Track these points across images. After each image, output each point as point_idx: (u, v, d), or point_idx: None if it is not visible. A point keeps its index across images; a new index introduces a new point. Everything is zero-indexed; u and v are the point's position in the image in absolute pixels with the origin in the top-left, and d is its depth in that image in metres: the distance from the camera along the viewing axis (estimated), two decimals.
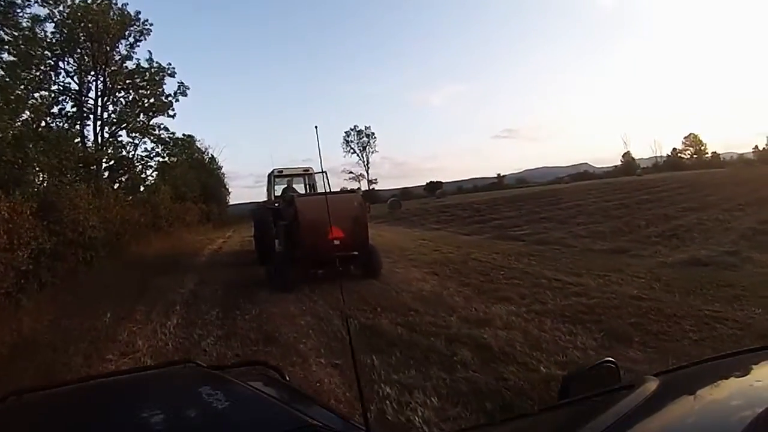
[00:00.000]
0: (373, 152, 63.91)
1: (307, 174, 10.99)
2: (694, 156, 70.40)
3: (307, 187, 11.10)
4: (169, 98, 16.12)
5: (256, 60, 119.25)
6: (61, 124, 14.89)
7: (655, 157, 71.12)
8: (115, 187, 15.95)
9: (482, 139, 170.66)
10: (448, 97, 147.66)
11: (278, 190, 10.76)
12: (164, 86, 16.14)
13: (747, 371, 0.87)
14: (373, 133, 63.32)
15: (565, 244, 9.71)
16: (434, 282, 6.85)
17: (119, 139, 16.17)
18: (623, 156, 73.24)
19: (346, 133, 61.91)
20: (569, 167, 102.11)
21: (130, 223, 11.66)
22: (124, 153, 16.17)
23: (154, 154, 16.64)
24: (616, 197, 22.68)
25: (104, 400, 1.22)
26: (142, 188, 17.60)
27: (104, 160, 15.59)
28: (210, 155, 38.55)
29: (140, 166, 16.80)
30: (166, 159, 17.04)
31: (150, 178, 17.47)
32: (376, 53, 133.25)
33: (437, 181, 61.49)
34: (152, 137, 16.34)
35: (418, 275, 7.46)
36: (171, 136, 16.42)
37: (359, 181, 60.77)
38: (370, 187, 58.36)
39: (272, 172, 10.78)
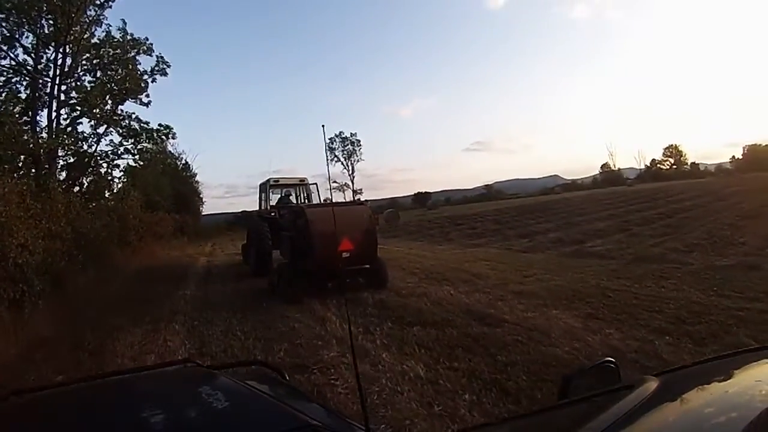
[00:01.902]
0: (358, 160, 60.26)
1: (302, 184, 10.78)
2: (674, 166, 71.62)
3: (301, 197, 10.86)
4: (145, 77, 12.60)
5: (222, 69, 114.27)
6: (11, 108, 11.32)
7: (639, 168, 71.89)
8: (75, 190, 12.45)
9: (453, 151, 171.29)
10: (418, 110, 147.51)
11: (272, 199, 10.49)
12: (138, 65, 12.69)
13: (747, 371, 0.86)
14: (358, 141, 59.77)
15: (674, 261, 8.27)
16: (611, 331, 4.49)
17: (79, 129, 12.51)
18: (602, 166, 74.27)
19: (330, 139, 58.04)
20: (541, 179, 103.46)
21: (87, 238, 8.22)
22: (85, 147, 12.46)
23: (122, 150, 13.02)
24: (642, 207, 21.67)
25: (104, 400, 1.20)
26: (107, 194, 13.98)
27: (61, 154, 12.01)
28: (184, 161, 34.92)
29: (105, 165, 13.12)
30: (137, 157, 13.50)
31: (116, 180, 13.87)
32: (347, 65, 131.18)
33: (425, 192, 58.76)
34: (120, 128, 12.76)
35: (569, 319, 4.93)
36: (144, 126, 12.87)
37: (344, 191, 57.18)
38: (356, 198, 55.01)
39: (267, 181, 10.53)
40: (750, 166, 58.70)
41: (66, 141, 11.70)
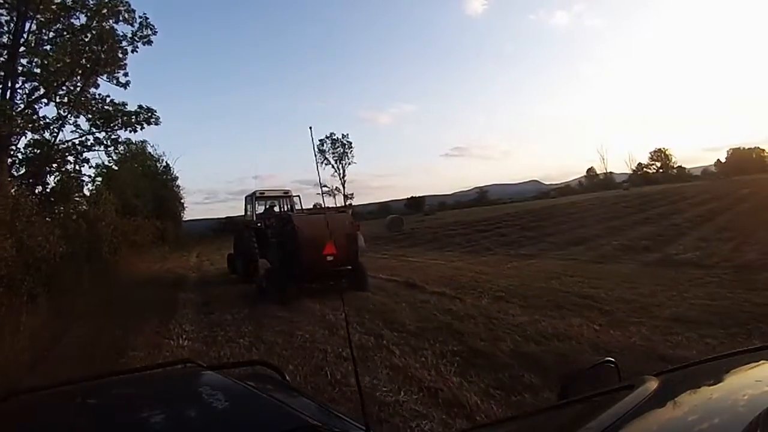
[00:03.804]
0: (350, 163, 57.35)
1: (286, 196, 11.43)
2: (660, 170, 72.31)
3: (285, 208, 11.35)
4: (122, 44, 10.01)
5: (200, 72, 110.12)
6: None
7: (627, 171, 72.26)
8: (37, 191, 9.93)
9: (432, 157, 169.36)
10: (396, 115, 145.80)
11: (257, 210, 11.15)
12: (116, 33, 10.09)
13: (747, 371, 0.85)
14: (350, 143, 56.97)
15: None
16: None
17: (40, 114, 9.90)
18: (588, 170, 74.92)
19: (320, 141, 55.13)
20: (519, 184, 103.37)
21: (39, 256, 5.78)
22: (47, 136, 9.84)
23: (92, 140, 10.44)
24: (669, 210, 20.61)
25: (104, 400, 1.18)
26: (76, 196, 11.36)
27: (18, 144, 9.47)
28: (164, 163, 32.23)
29: (72, 159, 10.49)
30: (110, 149, 10.94)
31: (87, 179, 11.27)
32: (327, 72, 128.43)
33: (419, 197, 56.46)
34: (91, 114, 10.19)
35: None
36: (120, 108, 10.22)
37: (334, 196, 54.37)
38: (347, 203, 52.39)
39: (253, 193, 11.09)
40: (734, 170, 59.41)
41: (22, 123, 9.06)
